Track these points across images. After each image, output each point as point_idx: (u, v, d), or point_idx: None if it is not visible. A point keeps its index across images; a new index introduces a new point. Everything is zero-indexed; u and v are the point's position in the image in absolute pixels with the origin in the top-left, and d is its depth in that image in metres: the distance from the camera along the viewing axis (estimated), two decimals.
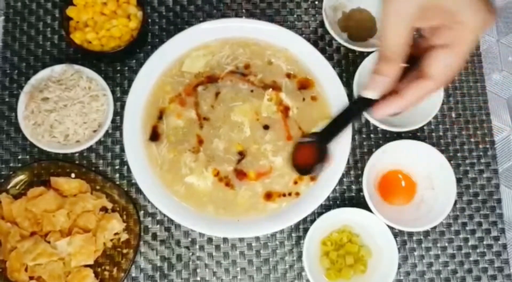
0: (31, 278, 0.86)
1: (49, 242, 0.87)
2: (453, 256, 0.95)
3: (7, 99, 0.98)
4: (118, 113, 0.97)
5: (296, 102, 0.94)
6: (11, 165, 0.95)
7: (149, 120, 0.93)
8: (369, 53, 0.96)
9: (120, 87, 0.99)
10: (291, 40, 0.95)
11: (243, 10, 1.04)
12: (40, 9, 1.02)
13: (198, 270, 0.93)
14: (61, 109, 0.91)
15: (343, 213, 0.90)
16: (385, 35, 0.67)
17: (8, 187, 0.90)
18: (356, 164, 0.98)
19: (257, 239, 0.94)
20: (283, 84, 0.95)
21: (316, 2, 1.04)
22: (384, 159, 0.93)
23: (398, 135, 0.98)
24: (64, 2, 0.94)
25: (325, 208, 0.94)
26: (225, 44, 0.96)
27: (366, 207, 0.90)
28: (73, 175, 0.92)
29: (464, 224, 0.97)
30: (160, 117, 0.93)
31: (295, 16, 1.04)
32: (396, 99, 0.69)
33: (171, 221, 0.93)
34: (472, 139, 1.00)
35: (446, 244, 0.95)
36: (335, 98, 0.94)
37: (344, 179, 0.97)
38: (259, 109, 0.94)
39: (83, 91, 0.92)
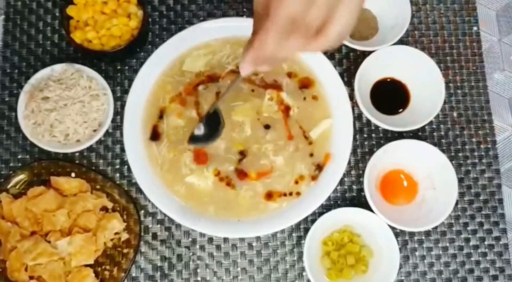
0: (31, 277, 0.86)
1: (49, 242, 0.87)
2: (454, 256, 0.95)
3: (7, 99, 0.97)
4: (119, 113, 0.96)
5: (297, 101, 0.94)
6: (11, 164, 0.95)
7: (149, 119, 0.93)
8: (370, 52, 0.95)
9: (120, 86, 0.98)
10: None
11: (244, 9, 1.03)
12: (40, 8, 1.02)
13: (198, 270, 0.92)
14: (61, 108, 0.90)
15: (344, 213, 0.90)
16: None
17: (8, 186, 0.90)
18: (357, 164, 0.97)
19: (258, 239, 0.94)
20: (284, 84, 0.95)
21: None
22: (385, 159, 0.92)
23: (399, 135, 0.97)
24: (64, 1, 0.93)
25: (326, 207, 0.94)
26: (226, 44, 0.96)
27: (367, 206, 0.89)
28: (73, 175, 0.92)
29: (465, 224, 0.96)
30: (161, 116, 0.93)
31: None
32: (251, 52, 0.63)
33: (171, 220, 0.93)
34: (474, 139, 1.00)
35: (448, 244, 0.95)
36: (336, 97, 0.94)
37: (345, 179, 0.97)
38: (260, 109, 0.93)
39: (83, 90, 0.92)
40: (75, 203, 0.89)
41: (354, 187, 0.97)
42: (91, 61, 0.98)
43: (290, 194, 0.91)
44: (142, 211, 0.94)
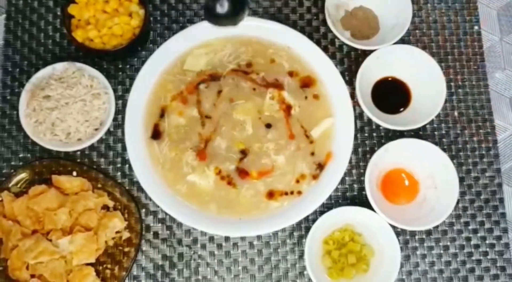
0: (32, 276, 0.86)
1: (50, 240, 0.87)
2: (455, 255, 0.95)
3: (8, 97, 0.97)
4: (120, 112, 0.96)
5: (299, 100, 0.94)
6: (13, 163, 0.95)
7: (150, 118, 0.93)
8: (371, 51, 0.95)
9: (121, 85, 0.98)
10: (294, 38, 0.95)
11: None
12: (41, 7, 1.02)
13: (199, 269, 0.92)
14: (63, 107, 0.90)
15: (345, 212, 0.90)
16: None
17: (10, 185, 0.90)
18: (358, 163, 0.97)
19: (259, 237, 0.94)
20: (285, 83, 0.95)
21: (319, 1, 1.04)
22: (387, 158, 0.92)
23: (401, 134, 0.97)
24: (65, 0, 0.93)
25: (327, 206, 0.94)
26: (227, 43, 0.96)
27: (368, 205, 0.89)
28: (74, 173, 0.92)
29: (466, 223, 0.96)
30: (162, 115, 0.93)
31: (297, 14, 1.04)
32: None
33: (172, 219, 0.93)
34: (475, 138, 1.00)
35: (449, 243, 0.95)
36: (337, 97, 0.94)
37: (346, 178, 0.97)
38: (261, 108, 0.93)
39: (85, 89, 0.92)
40: (77, 202, 0.89)
41: (355, 186, 0.97)
42: (93, 60, 0.98)
43: (291, 193, 0.91)
44: (143, 210, 0.94)
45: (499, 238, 0.96)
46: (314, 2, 1.04)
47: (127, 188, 0.94)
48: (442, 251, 0.95)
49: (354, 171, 0.97)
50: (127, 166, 0.95)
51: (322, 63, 0.95)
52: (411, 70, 0.97)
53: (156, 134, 0.92)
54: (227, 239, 0.94)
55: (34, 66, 0.99)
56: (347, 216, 0.91)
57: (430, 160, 0.93)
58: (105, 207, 0.92)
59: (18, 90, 0.97)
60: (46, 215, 0.87)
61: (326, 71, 0.95)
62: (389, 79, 0.99)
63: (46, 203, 0.88)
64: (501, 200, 0.98)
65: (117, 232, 0.90)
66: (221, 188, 0.91)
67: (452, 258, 0.95)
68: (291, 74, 0.95)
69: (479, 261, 0.95)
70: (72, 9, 0.93)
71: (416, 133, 0.98)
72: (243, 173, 0.91)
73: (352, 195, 0.96)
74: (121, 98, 0.97)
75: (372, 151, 0.94)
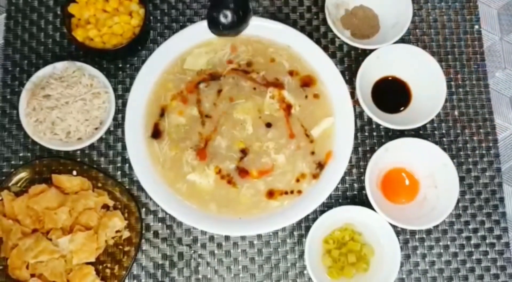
0: (32, 275, 0.86)
1: (50, 240, 0.87)
2: (455, 254, 0.95)
3: (8, 97, 0.97)
4: (120, 111, 0.96)
5: (299, 100, 0.94)
6: (13, 162, 0.95)
7: (150, 117, 0.93)
8: (371, 50, 0.95)
9: (122, 84, 0.98)
10: (294, 37, 0.95)
11: None
12: (41, 6, 1.02)
13: (199, 268, 0.92)
14: (63, 106, 0.90)
15: (345, 211, 0.90)
16: None
17: (10, 184, 0.90)
18: (359, 162, 0.97)
19: (259, 237, 0.94)
20: (285, 82, 0.95)
21: (319, 0, 1.04)
22: (387, 157, 0.92)
23: (401, 133, 0.97)
24: None
25: (327, 206, 0.94)
26: (227, 42, 0.96)
27: (368, 205, 0.89)
28: (74, 172, 0.92)
29: (466, 223, 0.96)
30: (162, 114, 0.93)
31: (297, 13, 1.04)
32: None
33: (172, 218, 0.93)
34: (475, 138, 1.00)
35: (449, 243, 0.95)
36: (337, 96, 0.94)
37: (347, 177, 0.97)
38: (262, 107, 0.93)
39: (85, 88, 0.92)
40: (77, 201, 0.89)
41: (356, 185, 0.97)
42: (93, 59, 0.98)
43: (291, 192, 0.91)
44: (143, 209, 0.94)
45: (499, 237, 0.96)
46: (314, 1, 1.04)
47: (127, 187, 0.94)
48: (442, 251, 0.95)
49: (354, 170, 0.97)
50: (127, 165, 0.95)
51: (322, 63, 0.95)
52: (411, 70, 0.97)
53: (156, 133, 0.92)
54: (227, 238, 0.94)
55: (34, 65, 0.99)
56: (347, 215, 0.91)
57: (430, 159, 0.92)
58: (105, 206, 0.92)
59: (18, 90, 0.97)
60: (46, 214, 0.87)
61: (326, 70, 0.95)
62: (389, 78, 0.99)
63: (46, 202, 0.88)
64: (501, 199, 0.98)
65: (117, 231, 0.90)
66: (221, 187, 0.91)
67: (452, 257, 0.95)
68: (291, 73, 0.95)
69: (479, 261, 0.95)
70: (72, 8, 0.93)
71: (416, 133, 0.98)
72: (243, 172, 0.91)
73: (352, 194, 0.96)
74: (121, 98, 0.97)
75: (372, 150, 0.94)
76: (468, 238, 0.96)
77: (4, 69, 0.99)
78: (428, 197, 0.93)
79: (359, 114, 0.99)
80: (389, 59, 0.96)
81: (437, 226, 0.95)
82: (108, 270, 0.89)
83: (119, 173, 0.95)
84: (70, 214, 0.89)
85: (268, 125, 0.93)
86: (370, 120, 0.99)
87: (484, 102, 1.01)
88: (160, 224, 0.94)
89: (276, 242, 0.94)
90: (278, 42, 0.96)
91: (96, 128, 0.93)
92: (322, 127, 0.93)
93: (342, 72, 0.96)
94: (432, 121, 0.99)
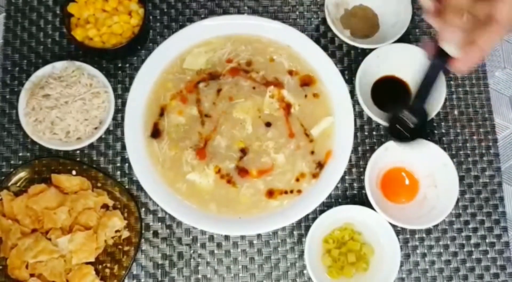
0: (31, 275, 0.86)
1: (50, 239, 0.87)
2: (455, 254, 0.95)
3: (8, 96, 0.97)
4: (119, 111, 0.96)
5: (298, 99, 0.94)
6: (12, 162, 0.95)
7: (150, 117, 0.93)
8: (371, 50, 0.95)
9: (121, 84, 0.98)
10: (294, 37, 0.95)
11: (245, 7, 1.03)
12: (41, 6, 1.02)
13: (199, 268, 0.92)
14: (62, 106, 0.90)
15: (345, 211, 0.90)
16: None
17: (9, 184, 0.90)
18: (358, 162, 0.97)
19: (259, 236, 0.94)
20: (285, 81, 0.95)
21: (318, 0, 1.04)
22: (386, 157, 0.92)
23: None
24: None
25: (327, 205, 0.94)
26: (227, 41, 0.96)
27: (368, 204, 0.89)
28: (74, 172, 0.92)
29: (466, 222, 0.96)
30: (162, 114, 0.93)
31: (297, 13, 1.04)
32: (471, 49, 0.69)
33: (172, 218, 0.93)
34: (475, 137, 1.00)
35: (449, 242, 0.95)
36: (337, 95, 0.94)
37: (346, 177, 0.97)
38: (261, 106, 0.93)
39: (84, 88, 0.92)
40: (76, 201, 0.89)
41: (355, 184, 0.97)
42: (92, 59, 0.98)
43: (291, 191, 0.91)
44: (143, 209, 0.94)
45: (499, 236, 0.96)
46: (314, 1, 1.04)
47: (126, 187, 0.94)
48: (442, 250, 0.95)
49: (354, 170, 0.97)
50: (126, 164, 0.95)
51: (322, 62, 0.95)
52: (411, 69, 0.97)
53: (155, 133, 0.92)
54: (227, 238, 0.94)
55: (34, 65, 0.98)
56: (347, 214, 0.91)
57: (430, 159, 0.92)
58: (105, 206, 0.91)
59: (17, 89, 0.96)
60: (45, 214, 0.87)
61: (326, 70, 0.94)
62: (389, 78, 0.99)
63: (45, 202, 0.88)
64: (501, 199, 0.97)
65: (116, 231, 0.90)
66: (221, 187, 0.91)
67: (452, 257, 0.95)
68: (291, 73, 0.95)
69: (479, 260, 0.95)
70: (71, 8, 0.93)
71: None
72: (243, 171, 0.91)
73: (352, 193, 0.96)
74: (121, 97, 0.97)
75: (372, 150, 0.94)
76: (468, 238, 0.96)
77: (4, 68, 0.98)
78: (428, 197, 0.93)
79: (358, 114, 0.99)
80: (389, 58, 0.96)
81: (437, 226, 0.95)
82: (107, 270, 0.89)
83: (118, 172, 0.95)
84: (70, 214, 0.88)
85: (268, 124, 0.93)
86: (369, 119, 0.99)
87: (484, 102, 1.01)
88: (159, 223, 0.94)
89: (276, 242, 0.94)
90: (278, 41, 0.96)
91: (96, 128, 0.93)
92: (321, 127, 0.93)
93: (342, 72, 0.96)
94: (431, 120, 0.98)
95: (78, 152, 0.95)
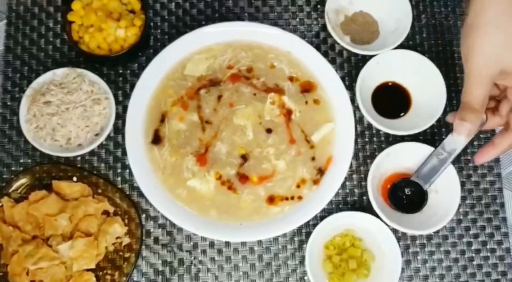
0: None
1: (50, 246, 0.86)
2: (456, 260, 0.95)
3: (9, 103, 0.97)
4: (120, 117, 0.96)
5: (299, 105, 0.94)
6: (13, 168, 0.95)
7: (151, 123, 0.93)
8: (371, 56, 0.95)
9: (122, 90, 0.99)
10: (294, 43, 0.95)
11: (246, 14, 1.04)
12: (42, 12, 1.02)
13: (200, 274, 0.92)
14: (63, 112, 0.90)
15: (346, 217, 0.90)
16: (467, 91, 0.78)
17: (10, 190, 0.90)
18: (359, 168, 0.97)
19: (260, 243, 0.94)
20: (285, 88, 0.95)
21: (319, 6, 1.04)
22: (387, 162, 0.93)
23: (401, 139, 0.97)
24: (66, 6, 0.93)
25: (328, 211, 0.94)
26: (227, 48, 0.96)
27: (368, 210, 0.89)
28: (75, 179, 0.92)
29: (467, 228, 0.96)
30: (162, 120, 0.93)
31: (297, 19, 1.04)
32: (490, 150, 0.83)
33: (173, 225, 0.93)
34: (475, 143, 1.00)
35: (450, 248, 0.95)
36: (337, 101, 0.94)
37: (347, 183, 0.97)
38: (262, 113, 0.94)
39: (85, 94, 0.92)
40: (77, 207, 0.89)
41: (356, 190, 0.97)
42: (93, 66, 0.98)
43: (292, 198, 0.91)
44: (144, 215, 0.94)
45: (500, 242, 0.96)
46: (314, 7, 1.05)
47: (127, 193, 0.94)
48: (443, 256, 0.95)
49: (354, 176, 0.97)
50: (127, 171, 0.95)
51: (322, 68, 0.95)
52: (411, 75, 0.97)
53: (156, 139, 0.92)
54: (227, 244, 0.94)
55: (35, 71, 0.99)
56: (348, 221, 0.91)
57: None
58: (106, 213, 0.91)
59: (18, 96, 0.97)
60: (46, 220, 0.87)
61: (326, 76, 0.95)
62: (389, 84, 0.99)
63: (46, 208, 0.88)
64: (502, 205, 0.97)
65: (117, 238, 0.90)
66: (222, 193, 0.91)
67: (453, 262, 0.95)
68: (291, 79, 0.96)
69: (480, 266, 0.95)
70: (72, 15, 0.93)
71: (417, 138, 0.98)
72: (243, 177, 0.91)
73: (352, 200, 0.96)
74: (122, 104, 0.97)
75: (373, 156, 0.94)
76: (469, 244, 0.95)
77: (5, 75, 0.99)
78: (428, 202, 0.93)
79: (359, 120, 0.99)
80: (389, 64, 0.96)
81: (438, 232, 0.95)
82: (108, 277, 0.89)
83: (119, 179, 0.95)
84: (70, 221, 0.88)
85: (269, 131, 0.93)
86: (370, 125, 0.99)
87: None
88: (160, 230, 0.93)
89: (277, 248, 0.94)
90: (278, 48, 0.96)
91: (97, 135, 0.93)
92: (322, 133, 0.93)
93: (342, 78, 0.96)
94: (432, 126, 0.98)
95: (79, 158, 0.95)
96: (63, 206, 0.89)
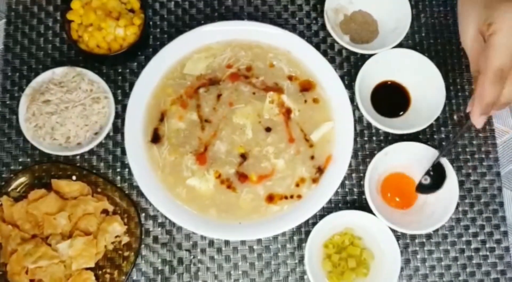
0: (31, 281, 0.86)
1: (50, 245, 0.86)
2: (455, 259, 0.95)
3: (8, 102, 0.97)
4: (119, 116, 0.96)
5: (298, 104, 0.94)
6: (12, 167, 0.95)
7: (150, 122, 0.93)
8: (370, 55, 0.95)
9: (121, 89, 0.99)
10: (293, 42, 0.96)
11: (245, 13, 1.04)
12: (41, 12, 1.02)
13: (199, 273, 0.92)
14: (62, 111, 0.90)
15: (345, 216, 0.90)
16: (473, 62, 0.82)
17: (9, 189, 0.90)
18: (358, 167, 0.97)
19: (259, 242, 0.94)
20: (285, 87, 0.95)
21: (318, 5, 1.04)
22: (386, 161, 0.93)
23: (400, 138, 0.97)
24: (65, 5, 0.94)
25: (327, 210, 0.94)
26: (227, 47, 0.96)
27: (368, 209, 0.89)
28: (74, 177, 0.92)
29: (466, 227, 0.96)
30: (162, 119, 0.93)
31: (296, 19, 1.04)
32: (477, 108, 0.80)
33: (172, 223, 0.93)
34: (474, 142, 1.00)
35: (449, 247, 0.95)
36: (337, 100, 0.94)
37: (346, 182, 0.97)
38: (261, 112, 0.94)
39: (85, 93, 0.92)
40: (76, 206, 0.89)
41: (355, 189, 0.97)
42: (93, 65, 0.98)
43: (291, 196, 0.91)
44: (143, 214, 0.94)
45: (499, 241, 0.96)
46: (313, 7, 1.05)
47: (126, 192, 0.94)
48: (442, 255, 0.95)
49: (353, 175, 0.97)
50: (126, 170, 0.95)
51: (321, 67, 0.95)
52: (411, 74, 0.97)
53: (155, 138, 0.92)
54: (227, 243, 0.94)
55: (34, 70, 0.99)
56: (347, 219, 0.91)
57: (429, 164, 0.92)
58: (105, 211, 0.91)
59: (17, 95, 0.97)
60: (45, 219, 0.87)
61: (325, 75, 0.95)
62: (389, 83, 0.99)
63: (45, 207, 0.87)
64: (501, 204, 0.98)
65: (116, 236, 0.90)
66: (221, 192, 0.91)
67: (452, 261, 0.95)
68: (290, 78, 0.96)
69: (479, 265, 0.95)
70: (71, 14, 0.93)
71: (416, 137, 0.98)
72: (242, 176, 0.91)
73: (352, 198, 0.96)
74: (121, 103, 0.97)
75: (372, 155, 0.94)
76: (468, 242, 0.96)
77: (4, 74, 0.99)
78: (428, 201, 0.93)
79: (358, 119, 0.99)
80: (388, 64, 0.96)
81: (437, 230, 0.95)
82: (107, 276, 0.89)
83: (118, 177, 0.95)
84: (70, 219, 0.88)
85: (268, 129, 0.93)
86: (369, 124, 0.99)
87: None
88: (159, 229, 0.93)
89: (276, 247, 0.94)
90: (278, 47, 0.96)
91: (96, 133, 0.93)
92: (321, 132, 0.93)
93: (342, 77, 0.96)
94: (431, 125, 0.98)
95: (78, 157, 0.95)
96: (63, 204, 0.89)
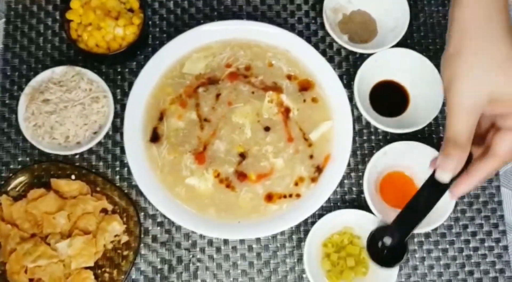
0: (31, 280, 0.86)
1: (49, 244, 0.86)
2: (454, 258, 0.95)
3: (7, 101, 0.97)
4: (119, 115, 0.96)
5: (297, 104, 0.94)
6: (11, 166, 0.95)
7: (149, 121, 0.93)
8: (369, 55, 0.96)
9: (120, 89, 0.99)
10: (292, 42, 0.96)
11: (244, 13, 1.04)
12: (41, 11, 1.02)
13: (198, 273, 0.92)
14: (62, 111, 0.91)
15: (344, 215, 0.90)
16: (451, 123, 0.70)
17: (8, 188, 0.90)
18: (357, 166, 0.98)
19: (258, 241, 0.94)
20: (284, 86, 0.95)
21: (317, 5, 1.05)
22: (385, 161, 0.93)
23: (399, 137, 0.97)
24: (65, 4, 0.94)
25: (326, 209, 0.94)
26: (226, 46, 0.96)
27: (367, 208, 0.89)
28: (73, 177, 0.92)
29: (465, 226, 0.96)
30: (161, 118, 0.93)
31: (295, 18, 1.04)
32: (466, 180, 0.72)
33: (171, 223, 0.93)
34: None
35: (447, 246, 0.95)
36: (336, 100, 0.94)
37: (345, 181, 0.97)
38: (260, 111, 0.94)
39: (84, 93, 0.92)
40: (75, 205, 0.89)
41: (354, 188, 0.97)
42: (92, 64, 0.98)
43: (290, 195, 0.91)
44: (142, 213, 0.94)
45: (497, 240, 0.96)
46: (312, 6, 1.05)
47: (126, 191, 0.94)
48: (441, 254, 0.95)
49: (353, 174, 0.97)
50: (125, 169, 0.95)
51: (320, 67, 0.95)
52: (409, 74, 0.98)
53: (155, 137, 0.92)
54: (226, 242, 0.94)
55: (33, 70, 0.99)
56: (346, 218, 0.91)
57: (428, 163, 0.92)
58: (104, 211, 0.91)
59: (17, 94, 0.97)
60: (44, 218, 0.87)
61: (324, 74, 0.95)
62: (387, 82, 0.99)
63: (44, 206, 0.87)
64: (500, 203, 0.98)
65: (115, 236, 0.90)
66: (220, 191, 0.91)
67: (451, 260, 0.95)
68: (289, 77, 0.96)
69: (478, 264, 0.95)
70: (70, 13, 0.93)
71: (415, 136, 0.98)
72: (241, 175, 0.91)
73: (351, 198, 0.96)
74: (120, 102, 0.97)
75: (371, 154, 0.94)
76: (467, 242, 0.96)
77: (3, 74, 0.99)
78: None
79: (357, 118, 0.99)
80: (387, 63, 0.96)
81: (435, 229, 0.95)
82: (106, 275, 0.89)
83: (117, 177, 0.95)
84: (69, 219, 0.88)
85: (267, 129, 0.93)
86: (368, 124, 0.99)
87: None
88: (159, 228, 0.94)
89: (275, 246, 0.94)
90: (277, 46, 0.97)
91: (95, 133, 0.93)
92: (320, 131, 0.94)
93: (340, 76, 0.96)
94: (430, 124, 0.99)
95: (77, 156, 0.95)
96: (62, 204, 0.89)
